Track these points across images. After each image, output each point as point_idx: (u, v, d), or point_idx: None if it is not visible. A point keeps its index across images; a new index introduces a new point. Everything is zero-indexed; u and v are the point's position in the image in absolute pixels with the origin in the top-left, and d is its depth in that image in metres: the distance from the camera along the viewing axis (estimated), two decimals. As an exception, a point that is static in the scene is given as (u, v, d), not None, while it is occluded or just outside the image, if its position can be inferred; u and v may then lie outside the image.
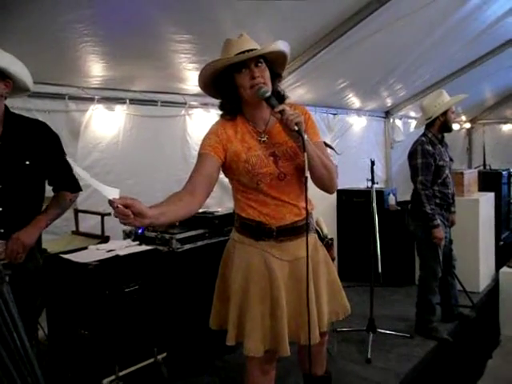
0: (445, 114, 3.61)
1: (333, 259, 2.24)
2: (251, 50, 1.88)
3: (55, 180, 2.40)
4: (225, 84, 1.94)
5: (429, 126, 3.68)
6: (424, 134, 3.66)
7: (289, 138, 1.90)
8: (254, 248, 1.99)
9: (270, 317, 1.96)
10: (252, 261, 1.98)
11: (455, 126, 9.89)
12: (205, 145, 1.97)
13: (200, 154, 1.97)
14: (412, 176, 3.59)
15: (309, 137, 1.90)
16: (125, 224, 1.52)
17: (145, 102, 4.38)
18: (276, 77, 2.00)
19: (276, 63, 2.01)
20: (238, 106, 2.00)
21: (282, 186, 1.96)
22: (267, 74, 1.93)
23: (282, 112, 1.81)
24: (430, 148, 3.55)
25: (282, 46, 1.95)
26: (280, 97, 1.98)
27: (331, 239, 4.42)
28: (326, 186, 2.00)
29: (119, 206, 1.44)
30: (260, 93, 1.87)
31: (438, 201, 3.56)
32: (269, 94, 1.88)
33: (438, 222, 3.47)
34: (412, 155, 3.58)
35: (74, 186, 2.45)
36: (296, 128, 1.78)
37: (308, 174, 1.81)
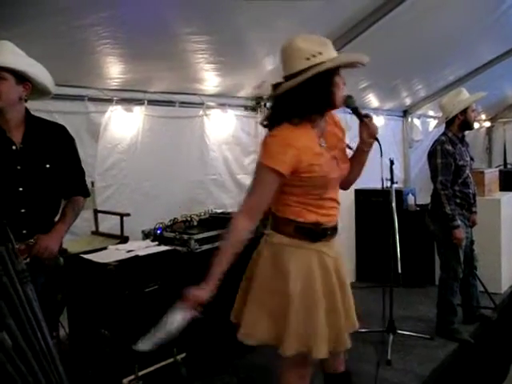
0: (464, 112, 3.56)
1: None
2: None
3: (70, 184, 2.38)
4: (321, 83, 1.85)
5: (448, 125, 3.63)
6: (444, 134, 3.61)
7: (338, 141, 2.04)
8: (309, 250, 1.98)
9: (331, 314, 1.96)
10: (311, 263, 1.97)
11: (475, 125, 9.75)
12: (280, 159, 1.83)
13: (272, 170, 1.83)
14: (432, 176, 3.55)
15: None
16: None
17: (163, 102, 4.41)
18: None
19: None
20: (324, 107, 1.95)
21: (337, 187, 2.06)
22: None
23: (371, 118, 2.00)
24: (450, 147, 3.50)
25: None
26: None
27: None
28: (350, 185, 2.17)
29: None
30: (351, 100, 1.96)
31: (458, 201, 3.51)
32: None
33: (459, 222, 3.42)
34: (432, 155, 3.54)
35: (86, 191, 2.47)
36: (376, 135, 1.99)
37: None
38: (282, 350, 1.90)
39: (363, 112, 2.00)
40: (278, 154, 1.83)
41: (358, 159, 2.07)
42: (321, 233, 1.97)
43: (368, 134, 1.98)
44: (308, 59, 1.81)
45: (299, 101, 1.86)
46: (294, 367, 2.00)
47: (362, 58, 1.91)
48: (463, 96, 3.60)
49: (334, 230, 2.03)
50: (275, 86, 1.93)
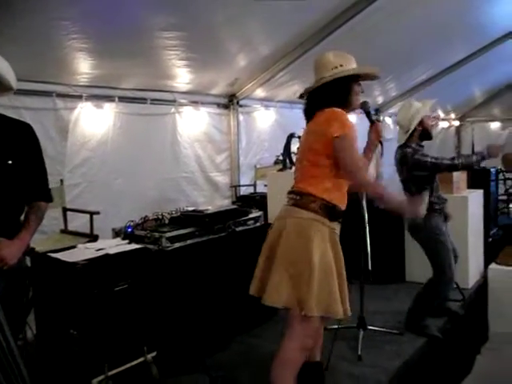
0: (421, 122, 3.58)
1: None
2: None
3: (31, 187, 2.24)
4: (339, 87, 2.31)
5: (409, 138, 3.62)
6: (407, 146, 3.58)
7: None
8: (325, 226, 2.26)
9: (340, 278, 2.28)
10: (326, 236, 2.26)
11: (444, 124, 9.95)
12: (353, 128, 2.27)
13: (354, 137, 2.25)
14: (418, 169, 3.47)
15: None
16: None
17: (134, 99, 4.37)
18: None
19: None
20: (344, 106, 2.34)
21: None
22: None
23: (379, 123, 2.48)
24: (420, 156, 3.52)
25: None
26: None
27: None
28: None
29: None
30: (368, 105, 2.49)
31: (437, 207, 3.55)
32: None
33: (479, 157, 3.43)
34: (405, 158, 3.52)
35: (48, 196, 2.33)
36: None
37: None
38: (305, 310, 2.16)
39: (374, 117, 2.47)
40: (351, 125, 2.25)
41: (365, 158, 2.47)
42: (337, 214, 2.30)
43: (375, 136, 2.48)
44: (332, 69, 2.32)
45: (324, 97, 2.31)
46: (301, 337, 2.24)
47: (374, 70, 2.39)
48: (415, 107, 3.60)
49: (343, 213, 2.33)
50: (306, 90, 2.43)
